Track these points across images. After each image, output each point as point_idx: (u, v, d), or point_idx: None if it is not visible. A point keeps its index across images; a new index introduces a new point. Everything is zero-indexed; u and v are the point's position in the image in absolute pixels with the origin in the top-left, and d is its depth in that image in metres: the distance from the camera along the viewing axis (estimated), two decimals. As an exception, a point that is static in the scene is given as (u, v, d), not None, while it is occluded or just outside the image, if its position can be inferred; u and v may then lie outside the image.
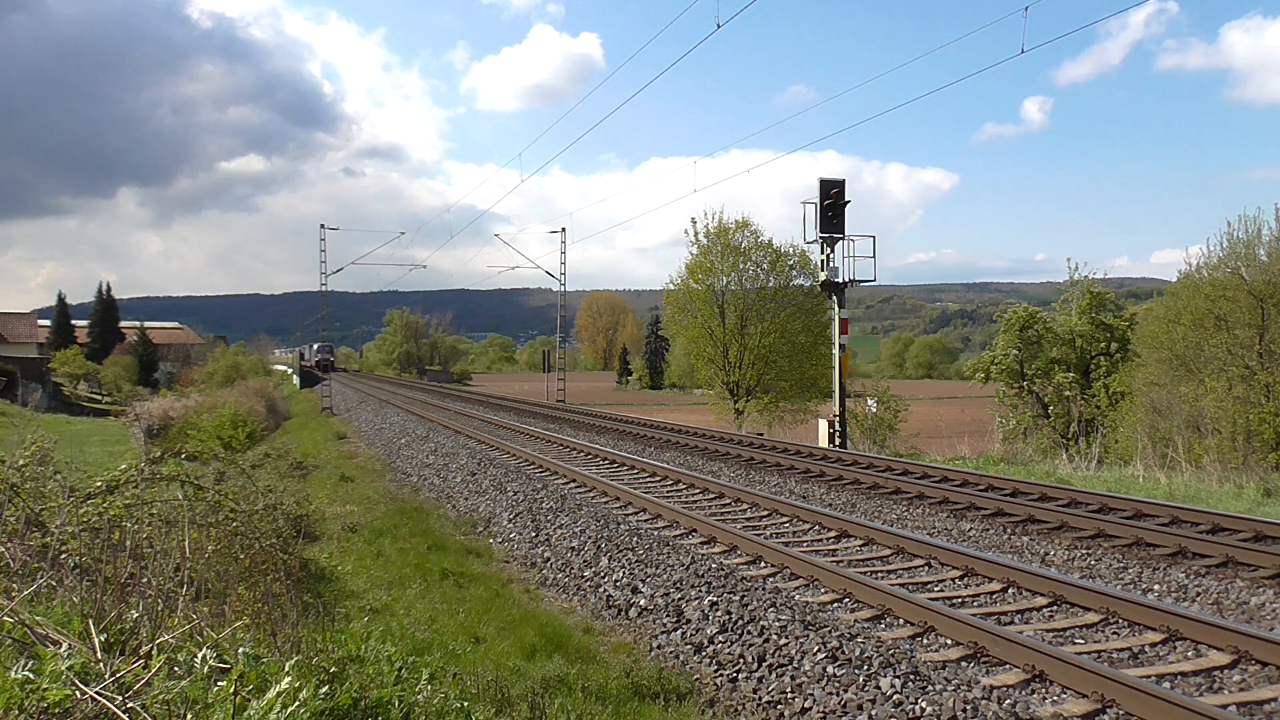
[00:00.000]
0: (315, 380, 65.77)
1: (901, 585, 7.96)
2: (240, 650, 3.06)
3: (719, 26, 15.65)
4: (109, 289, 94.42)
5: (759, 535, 10.02)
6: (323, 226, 39.35)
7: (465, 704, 3.93)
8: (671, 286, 39.68)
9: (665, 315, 55.05)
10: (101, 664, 2.85)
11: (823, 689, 5.53)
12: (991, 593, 7.82)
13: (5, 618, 3.04)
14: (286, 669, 2.96)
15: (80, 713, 2.55)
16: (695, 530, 10.36)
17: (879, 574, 8.51)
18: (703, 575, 7.91)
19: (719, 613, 6.95)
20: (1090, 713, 5.15)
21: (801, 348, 37.43)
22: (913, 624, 6.82)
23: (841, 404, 21.43)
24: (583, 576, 8.78)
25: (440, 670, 4.89)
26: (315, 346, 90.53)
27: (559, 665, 5.92)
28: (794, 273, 38.03)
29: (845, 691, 5.42)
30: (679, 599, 7.47)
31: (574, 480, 14.46)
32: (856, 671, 5.58)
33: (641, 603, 7.69)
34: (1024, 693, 5.48)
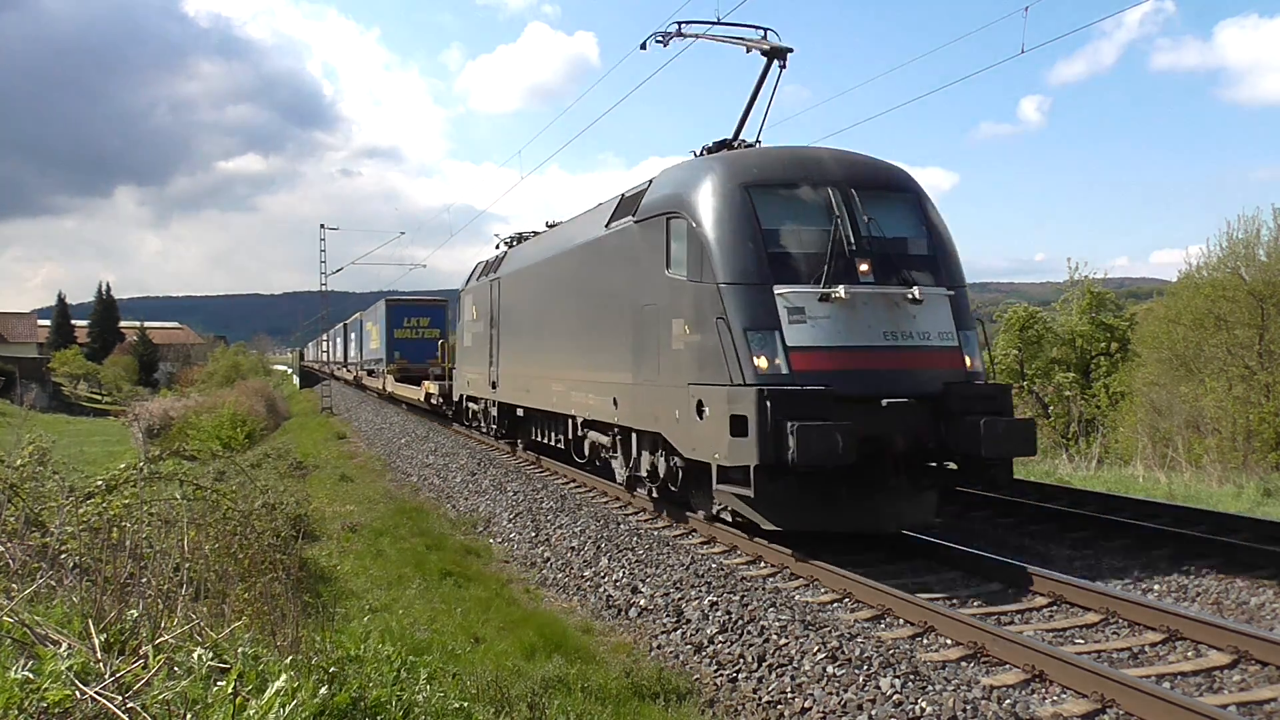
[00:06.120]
0: (316, 381, 51.89)
1: (901, 585, 7.95)
2: (239, 650, 3.07)
3: (719, 24, 15.62)
4: (109, 289, 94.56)
5: (759, 535, 10.01)
6: (322, 226, 39.49)
7: (464, 704, 3.93)
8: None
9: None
10: (101, 664, 2.85)
11: (823, 689, 5.52)
12: (991, 593, 7.82)
13: (5, 618, 3.04)
14: (285, 668, 2.97)
15: (80, 713, 2.55)
16: (695, 530, 10.36)
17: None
18: (703, 575, 7.91)
19: (719, 613, 6.94)
20: (1090, 713, 5.15)
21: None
22: (913, 624, 6.82)
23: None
24: (582, 576, 8.78)
25: (439, 670, 4.89)
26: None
27: (559, 665, 5.91)
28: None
29: (845, 691, 5.42)
30: (679, 599, 7.46)
31: (574, 480, 14.46)
32: (856, 671, 5.58)
33: (641, 603, 7.68)
34: (1024, 693, 5.48)
